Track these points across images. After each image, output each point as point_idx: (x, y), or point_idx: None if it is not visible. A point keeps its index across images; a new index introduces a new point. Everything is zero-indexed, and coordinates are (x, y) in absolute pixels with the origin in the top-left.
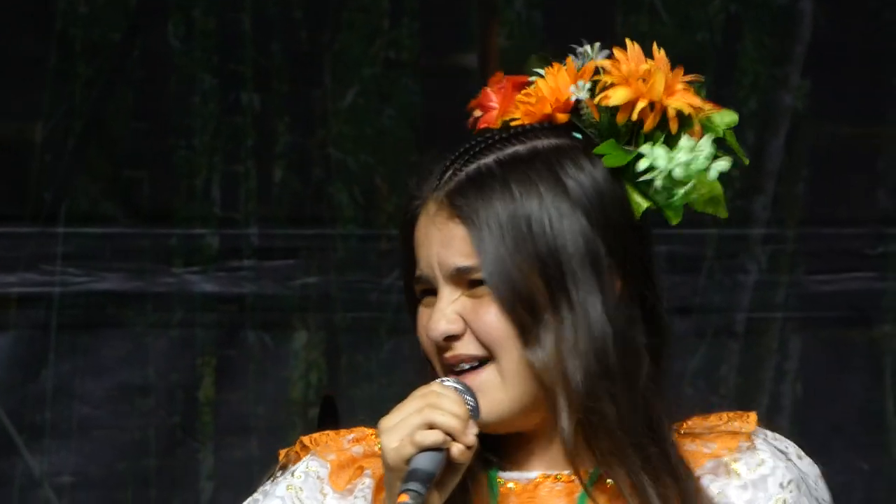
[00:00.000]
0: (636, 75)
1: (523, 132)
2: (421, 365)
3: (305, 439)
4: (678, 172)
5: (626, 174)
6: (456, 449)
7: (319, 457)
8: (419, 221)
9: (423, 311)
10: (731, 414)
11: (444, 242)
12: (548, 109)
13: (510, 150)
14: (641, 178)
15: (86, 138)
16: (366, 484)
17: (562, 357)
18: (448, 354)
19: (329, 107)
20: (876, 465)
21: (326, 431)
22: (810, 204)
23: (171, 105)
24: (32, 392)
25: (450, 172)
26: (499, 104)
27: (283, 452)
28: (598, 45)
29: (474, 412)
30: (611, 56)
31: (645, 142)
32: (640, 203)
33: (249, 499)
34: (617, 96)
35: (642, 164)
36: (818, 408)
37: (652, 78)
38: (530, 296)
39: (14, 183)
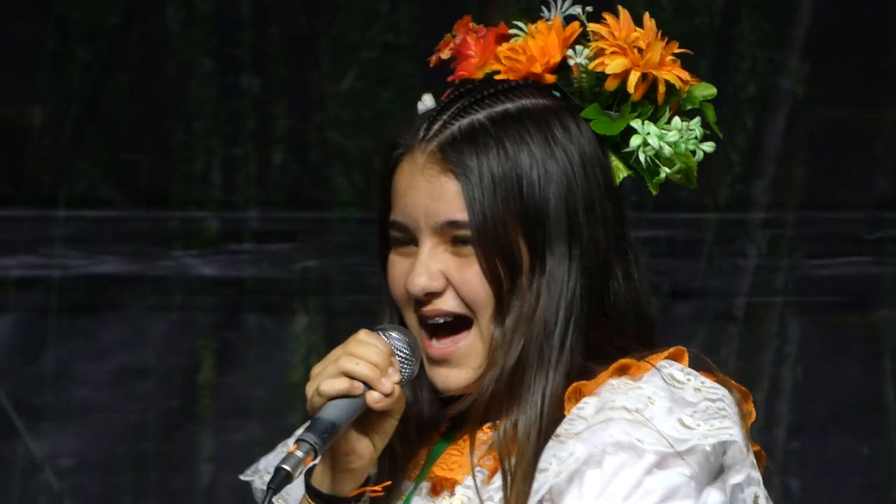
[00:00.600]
0: (630, 43)
1: (510, 89)
2: (381, 307)
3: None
4: (667, 151)
5: (608, 140)
6: (370, 397)
7: None
8: (402, 169)
9: (396, 260)
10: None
11: (435, 195)
12: (538, 69)
13: (500, 107)
14: (627, 149)
15: (84, 122)
16: None
17: (518, 326)
18: (426, 308)
19: (328, 90)
20: (874, 448)
21: None
22: (809, 188)
23: (170, 88)
24: (32, 375)
25: (438, 124)
26: (477, 54)
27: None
28: (589, 8)
29: (407, 363)
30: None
31: (632, 111)
32: (621, 171)
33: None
34: (614, 65)
35: (634, 141)
36: (817, 392)
37: (650, 50)
38: (512, 257)
39: (12, 166)
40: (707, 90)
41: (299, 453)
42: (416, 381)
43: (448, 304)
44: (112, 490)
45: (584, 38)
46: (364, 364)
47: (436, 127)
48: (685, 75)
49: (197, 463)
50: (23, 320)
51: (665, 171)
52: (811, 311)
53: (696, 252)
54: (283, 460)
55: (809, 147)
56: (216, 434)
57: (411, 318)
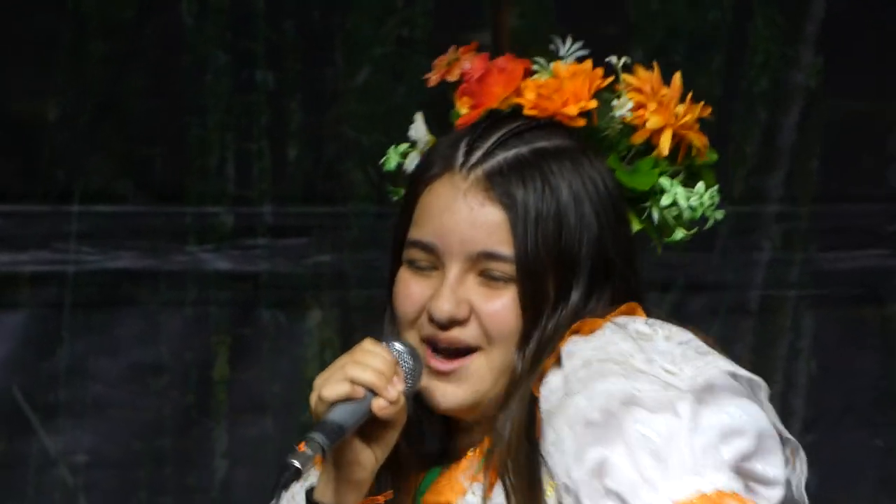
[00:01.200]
0: (665, 100)
1: (543, 126)
2: (383, 321)
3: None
4: (688, 214)
5: (626, 191)
6: (376, 403)
7: None
8: (436, 189)
9: (410, 278)
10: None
11: (476, 223)
12: (572, 111)
13: (540, 143)
14: (642, 205)
15: (99, 116)
16: None
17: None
18: (444, 335)
19: (342, 85)
20: (889, 442)
21: None
22: (823, 182)
23: (185, 83)
24: (47, 371)
25: (480, 151)
26: (502, 85)
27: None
28: (627, 59)
29: (411, 375)
30: (629, 69)
31: (654, 167)
32: (634, 223)
33: None
34: (654, 121)
35: (665, 200)
36: (832, 385)
37: (688, 112)
38: (544, 293)
39: (27, 161)
40: (711, 155)
41: (308, 451)
42: (414, 407)
43: (468, 335)
44: (127, 486)
45: (610, 86)
46: (370, 371)
47: (478, 154)
48: (706, 140)
49: (212, 458)
50: (37, 316)
51: (681, 234)
52: (825, 305)
53: (711, 245)
54: (292, 456)
55: (823, 140)
56: (231, 429)
57: (416, 336)
